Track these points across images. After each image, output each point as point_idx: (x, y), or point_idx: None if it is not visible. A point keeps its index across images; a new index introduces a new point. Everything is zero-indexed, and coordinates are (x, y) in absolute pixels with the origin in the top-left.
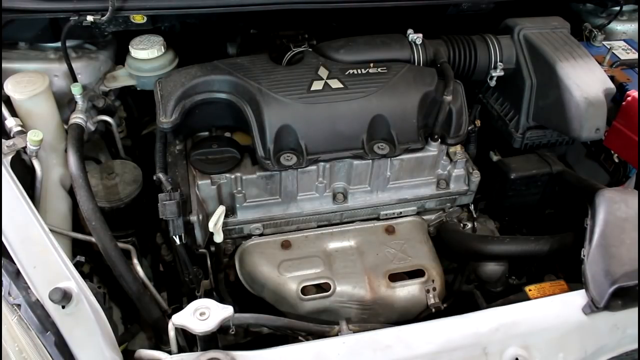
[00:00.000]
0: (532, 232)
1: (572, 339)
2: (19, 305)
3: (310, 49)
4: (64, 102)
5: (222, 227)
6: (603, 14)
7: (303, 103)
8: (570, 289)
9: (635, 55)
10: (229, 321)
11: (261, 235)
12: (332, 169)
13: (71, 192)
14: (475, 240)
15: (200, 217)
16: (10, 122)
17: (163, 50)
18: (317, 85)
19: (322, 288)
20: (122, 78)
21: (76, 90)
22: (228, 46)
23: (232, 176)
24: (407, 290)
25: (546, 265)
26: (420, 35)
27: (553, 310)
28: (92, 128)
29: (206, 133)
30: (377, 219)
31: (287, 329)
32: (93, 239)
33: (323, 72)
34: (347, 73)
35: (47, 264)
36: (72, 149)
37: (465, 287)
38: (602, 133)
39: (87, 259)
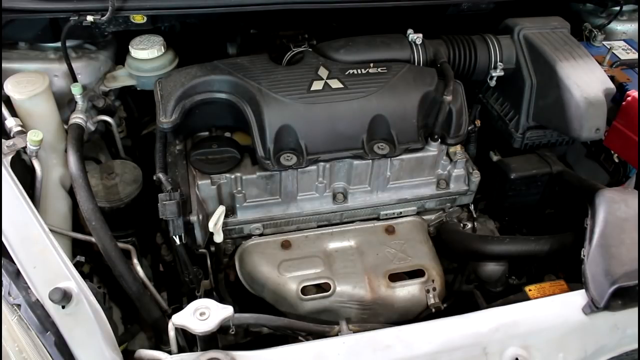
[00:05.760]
0: (532, 232)
1: (572, 339)
2: (19, 305)
3: (310, 49)
4: (64, 102)
5: (222, 227)
6: (603, 14)
7: (303, 103)
8: (570, 289)
9: (635, 55)
10: (229, 321)
11: (261, 235)
12: (332, 169)
13: (71, 192)
14: (475, 240)
15: (200, 217)
16: (10, 122)
17: (163, 50)
18: (317, 85)
19: (322, 288)
20: (122, 78)
21: (76, 90)
22: (228, 46)
23: (232, 176)
24: (407, 290)
25: (546, 265)
26: (420, 35)
27: (553, 310)
28: (92, 128)
29: (206, 133)
30: (377, 219)
31: (287, 329)
32: (93, 239)
33: (323, 72)
34: (347, 73)
35: (47, 264)
36: (72, 149)
37: (465, 287)
38: (602, 133)
39: (87, 259)
